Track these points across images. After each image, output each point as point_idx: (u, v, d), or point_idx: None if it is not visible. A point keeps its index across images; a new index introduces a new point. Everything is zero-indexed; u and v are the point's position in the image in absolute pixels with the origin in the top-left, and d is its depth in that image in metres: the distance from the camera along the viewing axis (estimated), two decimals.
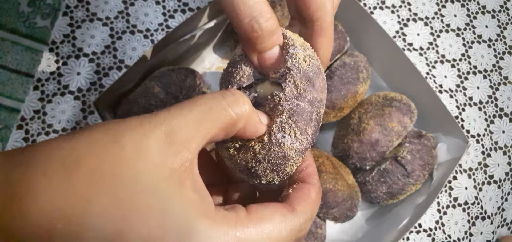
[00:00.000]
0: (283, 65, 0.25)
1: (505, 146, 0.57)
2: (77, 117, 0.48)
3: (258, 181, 0.26)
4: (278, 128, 0.25)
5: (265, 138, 0.25)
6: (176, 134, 0.21)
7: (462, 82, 0.58)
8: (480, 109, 0.57)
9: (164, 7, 0.54)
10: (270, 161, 0.25)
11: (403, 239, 0.52)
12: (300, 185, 0.26)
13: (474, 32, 0.60)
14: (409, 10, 0.59)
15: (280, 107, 0.25)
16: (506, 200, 0.55)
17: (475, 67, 0.58)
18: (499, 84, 0.58)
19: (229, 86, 0.26)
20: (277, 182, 0.27)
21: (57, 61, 0.50)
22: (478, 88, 0.58)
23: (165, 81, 0.45)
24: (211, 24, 0.48)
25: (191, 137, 0.21)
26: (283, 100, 0.25)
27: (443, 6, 0.60)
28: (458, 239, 0.53)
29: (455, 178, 0.54)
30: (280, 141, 0.25)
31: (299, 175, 0.27)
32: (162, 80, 0.45)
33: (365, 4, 0.58)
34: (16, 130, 0.48)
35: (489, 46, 0.59)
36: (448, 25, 0.59)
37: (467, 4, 0.60)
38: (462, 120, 0.56)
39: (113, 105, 0.46)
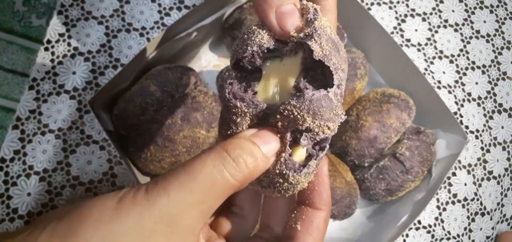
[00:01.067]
0: (308, 26, 0.24)
1: (504, 141, 0.56)
2: (73, 116, 0.48)
3: (266, 195, 0.26)
4: (285, 156, 0.23)
5: (270, 167, 0.23)
6: (179, 223, 0.20)
7: (460, 77, 0.57)
8: (479, 104, 0.57)
9: (159, 4, 0.53)
10: (277, 188, 0.24)
11: (403, 235, 0.51)
12: (309, 215, 0.25)
13: (472, 28, 0.59)
14: (407, 6, 0.59)
15: (299, 117, 0.22)
16: (505, 195, 0.55)
17: (473, 62, 0.58)
18: (497, 79, 0.58)
19: (248, 48, 0.24)
20: (287, 196, 0.26)
21: (52, 60, 0.49)
22: (476, 83, 0.57)
23: (161, 79, 0.45)
24: (208, 21, 0.48)
25: (195, 222, 0.20)
26: (297, 108, 0.22)
27: (441, 2, 0.60)
28: (458, 235, 0.52)
29: (454, 174, 0.54)
30: (284, 172, 0.23)
31: (309, 195, 0.26)
32: (158, 78, 0.45)
33: (362, 0, 0.58)
34: (12, 130, 0.47)
35: (487, 41, 0.59)
36: (446, 21, 0.59)
37: None
38: (461, 116, 0.56)
39: (109, 104, 0.46)
